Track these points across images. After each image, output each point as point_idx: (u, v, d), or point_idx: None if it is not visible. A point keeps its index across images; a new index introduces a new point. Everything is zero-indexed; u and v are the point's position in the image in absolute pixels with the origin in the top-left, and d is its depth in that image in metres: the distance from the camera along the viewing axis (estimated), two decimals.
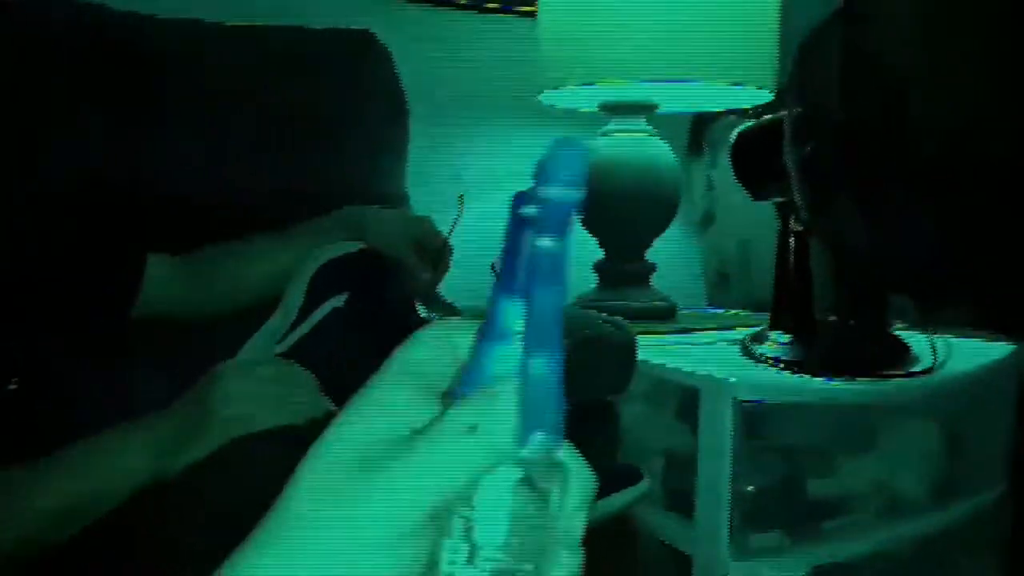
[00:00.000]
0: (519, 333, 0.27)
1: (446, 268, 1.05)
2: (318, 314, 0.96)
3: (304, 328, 0.95)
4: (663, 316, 1.53)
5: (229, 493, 0.60)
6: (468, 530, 0.28)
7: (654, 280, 1.59)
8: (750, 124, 1.30)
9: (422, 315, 1.02)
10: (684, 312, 1.61)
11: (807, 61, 1.11)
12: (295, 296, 0.97)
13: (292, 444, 0.64)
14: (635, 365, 1.10)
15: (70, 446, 0.65)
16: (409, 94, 1.46)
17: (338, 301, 0.97)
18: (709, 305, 1.90)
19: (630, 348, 1.11)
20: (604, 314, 1.17)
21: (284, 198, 1.20)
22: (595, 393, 1.11)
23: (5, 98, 1.03)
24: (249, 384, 0.68)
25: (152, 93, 1.17)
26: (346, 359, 0.95)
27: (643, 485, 0.98)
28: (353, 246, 1.00)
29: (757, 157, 1.25)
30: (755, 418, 1.06)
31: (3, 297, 0.77)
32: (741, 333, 1.27)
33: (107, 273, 0.92)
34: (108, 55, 1.14)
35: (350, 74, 1.35)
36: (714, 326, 1.47)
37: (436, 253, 1.03)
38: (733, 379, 1.06)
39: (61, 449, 0.65)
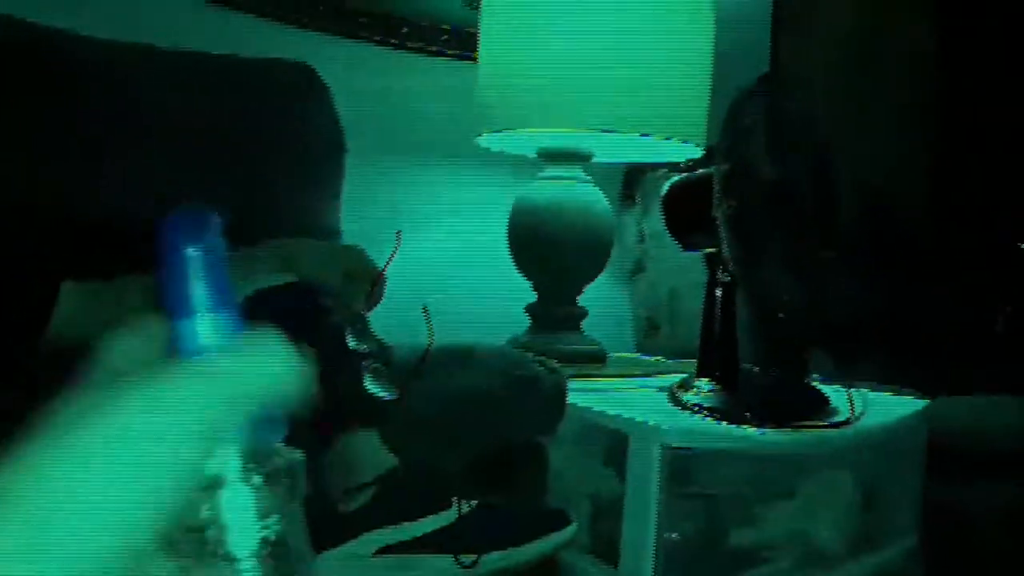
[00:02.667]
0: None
1: (378, 299, 1.05)
2: None
3: None
4: (593, 360, 1.55)
5: None
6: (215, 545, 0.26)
7: (585, 325, 1.61)
8: (681, 177, 1.34)
9: (352, 347, 1.00)
10: (614, 357, 1.63)
11: (736, 120, 1.15)
12: None
13: None
14: (565, 407, 1.10)
15: None
16: (347, 130, 1.46)
17: None
18: (638, 351, 1.93)
19: (560, 390, 1.11)
20: (536, 356, 1.17)
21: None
22: (525, 432, 1.10)
23: None
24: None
25: (81, 115, 1.14)
26: None
27: (570, 529, 0.97)
28: (283, 277, 0.99)
29: (687, 209, 1.29)
30: (682, 465, 1.07)
31: None
32: (669, 380, 1.29)
33: (17, 300, 0.88)
34: (36, 72, 1.10)
35: (288, 106, 1.34)
36: (643, 372, 1.49)
37: (369, 284, 1.02)
38: (662, 425, 1.07)
39: None
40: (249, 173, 1.28)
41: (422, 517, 0.89)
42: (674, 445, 1.06)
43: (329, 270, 1.01)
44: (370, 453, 0.88)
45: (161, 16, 1.41)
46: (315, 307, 1.00)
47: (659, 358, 1.74)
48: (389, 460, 0.90)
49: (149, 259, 0.92)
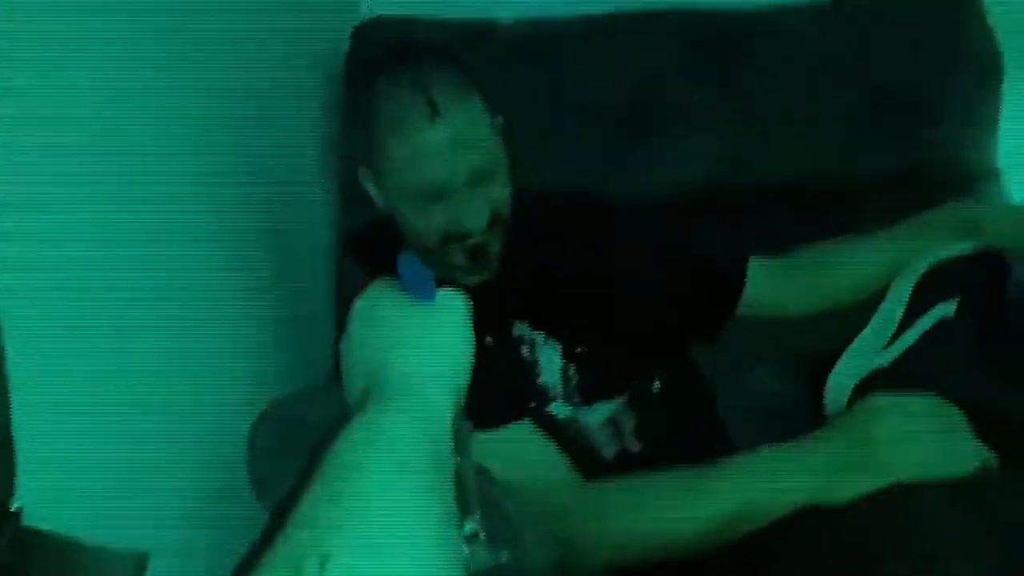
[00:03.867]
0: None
1: None
2: (926, 321, 0.90)
3: (911, 336, 0.90)
4: None
5: (886, 536, 0.59)
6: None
7: None
8: None
9: None
10: None
11: None
12: (899, 299, 0.92)
13: (958, 499, 0.62)
14: None
15: (726, 459, 0.72)
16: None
17: (948, 308, 0.90)
18: None
19: None
20: None
21: (878, 180, 1.15)
22: None
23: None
24: (907, 422, 0.67)
25: (747, 87, 1.21)
26: (957, 371, 0.89)
27: None
28: (966, 246, 0.92)
29: None
30: None
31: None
32: None
33: (716, 276, 0.99)
34: (710, 50, 1.21)
35: (942, 36, 1.22)
36: None
37: None
38: None
39: (720, 460, 0.72)
40: (909, 116, 1.22)
41: None
42: None
43: (1020, 236, 0.90)
44: None
45: None
46: (1003, 279, 0.91)
47: None
48: None
49: (822, 219, 0.93)
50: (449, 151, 0.79)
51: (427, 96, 0.78)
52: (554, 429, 0.83)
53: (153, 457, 0.77)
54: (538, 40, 1.28)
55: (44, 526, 0.50)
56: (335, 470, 0.36)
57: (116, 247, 0.75)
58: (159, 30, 0.85)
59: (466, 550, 0.44)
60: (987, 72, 1.25)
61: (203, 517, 0.84)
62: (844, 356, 0.92)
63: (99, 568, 0.47)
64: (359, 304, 0.48)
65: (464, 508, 0.44)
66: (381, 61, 0.84)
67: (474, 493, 0.45)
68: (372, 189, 0.88)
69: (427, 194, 0.81)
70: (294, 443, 0.85)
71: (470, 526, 0.45)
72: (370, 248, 0.98)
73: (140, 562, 0.49)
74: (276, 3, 1.17)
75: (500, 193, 0.84)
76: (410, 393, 0.42)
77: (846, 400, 0.85)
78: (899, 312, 0.92)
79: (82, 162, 0.71)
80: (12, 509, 0.50)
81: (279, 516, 0.34)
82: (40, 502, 0.52)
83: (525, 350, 0.86)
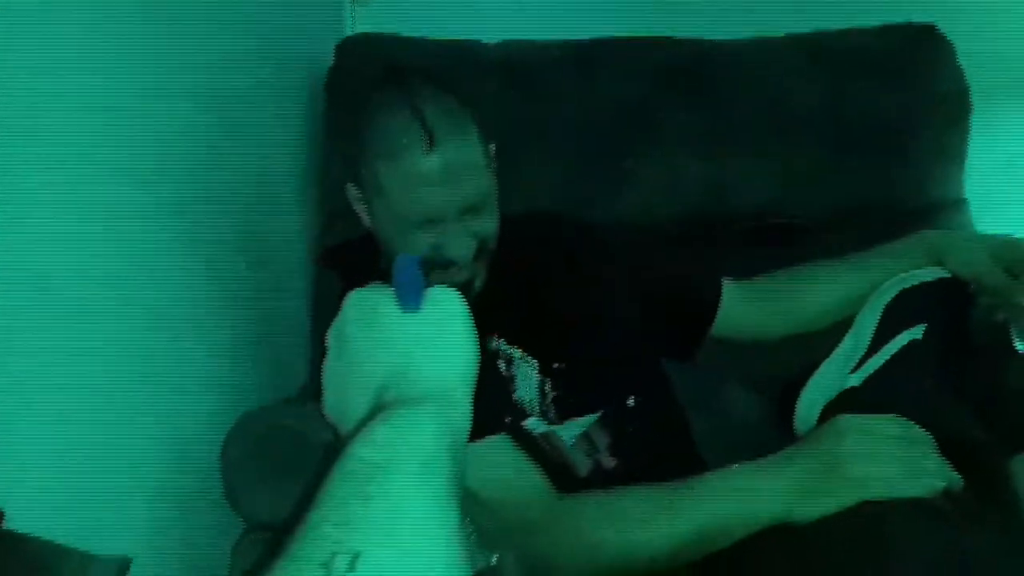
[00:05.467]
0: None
1: None
2: (894, 344, 0.92)
3: (879, 359, 0.92)
4: None
5: (858, 554, 0.61)
6: None
7: None
8: None
9: (1020, 349, 0.91)
10: None
11: None
12: (868, 323, 0.94)
13: (924, 519, 0.63)
14: None
15: (698, 477, 0.73)
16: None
17: (916, 332, 0.92)
18: None
19: None
20: None
21: (848, 210, 1.18)
22: None
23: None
24: (875, 442, 0.68)
25: (724, 116, 1.24)
26: (923, 394, 0.91)
27: None
28: (933, 273, 0.95)
29: None
30: None
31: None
32: None
33: (690, 297, 1.00)
34: (689, 79, 1.23)
35: (913, 76, 1.26)
36: None
37: None
38: None
39: (692, 477, 0.73)
40: (880, 149, 1.25)
41: None
42: None
43: (984, 265, 0.93)
44: None
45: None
46: (967, 306, 0.94)
47: None
48: None
49: (797, 246, 0.95)
50: (443, 181, 0.78)
51: (423, 124, 0.77)
52: (529, 444, 0.83)
53: (128, 463, 0.77)
54: (521, 63, 1.29)
55: (25, 531, 0.50)
56: (362, 469, 0.36)
57: (91, 253, 0.75)
58: (144, 39, 0.86)
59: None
60: (956, 110, 1.29)
61: (176, 522, 0.84)
62: (814, 378, 0.94)
63: (82, 572, 0.47)
64: (351, 312, 0.48)
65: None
66: (374, 82, 0.83)
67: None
68: (358, 207, 0.87)
69: (416, 222, 0.81)
70: (267, 455, 0.85)
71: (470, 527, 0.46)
72: (349, 262, 0.98)
73: (122, 567, 0.49)
74: (261, 17, 1.18)
75: (488, 225, 0.84)
76: (432, 395, 0.42)
77: (815, 420, 0.87)
78: (868, 336, 0.94)
79: (60, 170, 0.71)
80: None
81: (295, 518, 0.34)
82: (20, 508, 0.52)
83: (502, 365, 0.87)
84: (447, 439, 0.39)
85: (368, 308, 0.47)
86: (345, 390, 0.47)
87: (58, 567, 0.47)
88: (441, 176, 0.78)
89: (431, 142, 0.77)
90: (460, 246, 0.81)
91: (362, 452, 0.37)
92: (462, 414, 0.44)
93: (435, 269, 0.83)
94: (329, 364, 0.50)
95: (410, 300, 0.47)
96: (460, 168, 0.79)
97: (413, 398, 0.42)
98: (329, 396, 0.50)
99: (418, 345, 0.46)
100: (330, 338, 0.50)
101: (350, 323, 0.48)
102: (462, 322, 0.48)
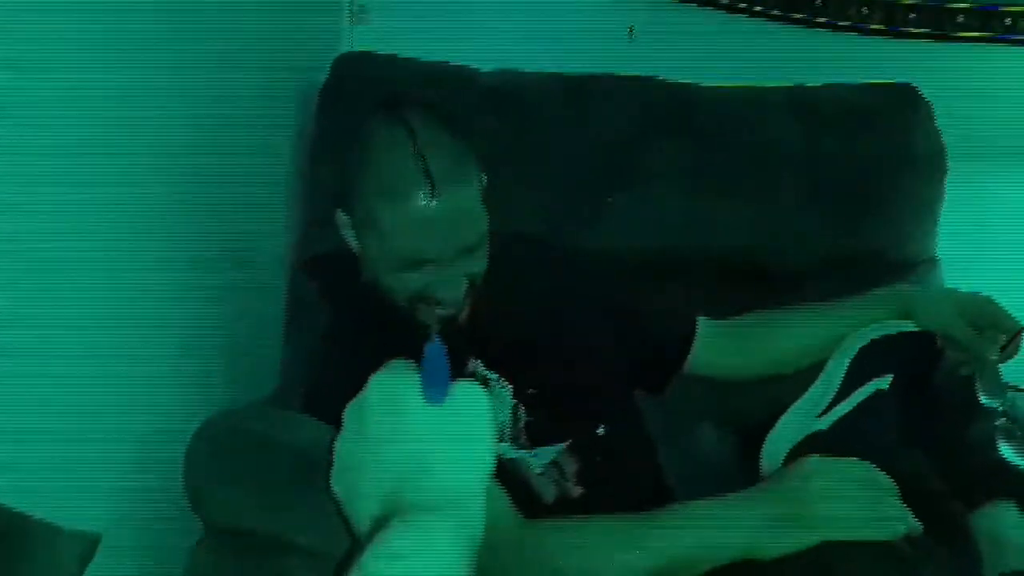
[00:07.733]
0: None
1: (1013, 353, 0.94)
2: (861, 393, 0.94)
3: (846, 406, 0.94)
4: None
5: None
6: None
7: None
8: None
9: (984, 403, 0.93)
10: None
11: None
12: (838, 369, 0.96)
13: (884, 560, 0.64)
14: None
15: (663, 509, 0.73)
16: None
17: (882, 382, 0.94)
18: None
19: None
20: None
21: (823, 261, 1.20)
22: None
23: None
24: (838, 484, 0.69)
25: (707, 159, 1.26)
26: (888, 442, 0.93)
27: None
28: (904, 326, 0.97)
29: None
30: None
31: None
32: None
33: (665, 332, 1.02)
34: (674, 122, 1.26)
35: (891, 135, 1.30)
36: None
37: (1003, 335, 0.92)
38: None
39: (657, 510, 0.73)
40: (851, 204, 1.28)
41: None
42: None
43: (951, 321, 0.95)
44: (1015, 532, 0.81)
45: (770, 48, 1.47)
46: (934, 360, 0.96)
47: None
48: None
49: (775, 293, 0.97)
50: (441, 227, 0.78)
51: (424, 167, 0.76)
52: (498, 469, 0.83)
53: (91, 458, 0.75)
54: (514, 91, 1.31)
55: None
56: None
57: (70, 248, 0.75)
58: (144, 39, 0.86)
59: None
60: (932, 169, 1.32)
61: (135, 518, 0.82)
62: (782, 419, 0.95)
63: (51, 543, 0.46)
64: (374, 395, 0.47)
65: None
66: (371, 108, 0.82)
67: None
68: (347, 234, 0.86)
69: (409, 263, 0.80)
70: (232, 458, 0.84)
71: None
72: (332, 272, 0.98)
73: (92, 542, 0.47)
74: (258, 25, 1.18)
75: (480, 264, 0.83)
76: (450, 501, 0.42)
77: (781, 461, 0.88)
78: (837, 382, 0.95)
79: (44, 166, 0.70)
80: None
81: None
82: None
83: None
84: (462, 545, 0.39)
85: (392, 394, 0.46)
86: (359, 472, 0.46)
87: (28, 535, 0.46)
88: (440, 222, 0.77)
89: (433, 189, 0.76)
90: (452, 287, 0.81)
91: (378, 566, 0.36)
92: (478, 518, 0.43)
93: (422, 303, 0.82)
94: (344, 441, 0.49)
95: (436, 392, 0.46)
96: (459, 214, 0.78)
97: (430, 505, 0.41)
98: (339, 472, 0.49)
99: (439, 442, 0.45)
100: (348, 416, 0.49)
101: (372, 406, 0.46)
102: (485, 422, 0.47)
